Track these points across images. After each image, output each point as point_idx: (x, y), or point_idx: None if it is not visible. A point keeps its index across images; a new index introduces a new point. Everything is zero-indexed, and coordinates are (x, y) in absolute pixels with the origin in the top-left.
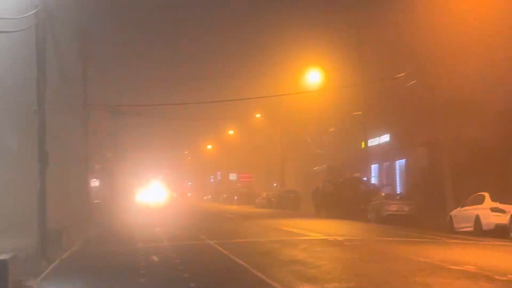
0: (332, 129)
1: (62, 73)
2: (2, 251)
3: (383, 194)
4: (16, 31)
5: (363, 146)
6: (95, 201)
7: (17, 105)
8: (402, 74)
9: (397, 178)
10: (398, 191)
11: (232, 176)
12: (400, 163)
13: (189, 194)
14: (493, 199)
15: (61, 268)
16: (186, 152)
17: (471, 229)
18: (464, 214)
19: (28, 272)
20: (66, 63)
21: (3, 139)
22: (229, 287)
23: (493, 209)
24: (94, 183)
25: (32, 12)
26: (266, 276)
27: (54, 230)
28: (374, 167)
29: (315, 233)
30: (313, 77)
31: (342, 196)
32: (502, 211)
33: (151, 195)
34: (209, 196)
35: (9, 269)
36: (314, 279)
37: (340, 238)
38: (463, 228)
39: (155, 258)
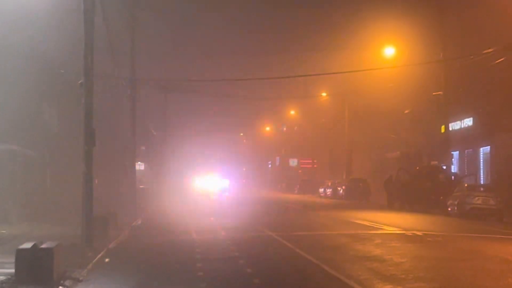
0: (407, 111)
1: (109, 44)
2: (46, 239)
3: (466, 185)
4: None
5: (443, 130)
6: (140, 186)
7: (57, 79)
8: (490, 50)
9: (481, 167)
10: (482, 182)
11: (293, 162)
12: (484, 151)
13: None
14: None
15: (108, 259)
16: (241, 134)
17: None
18: None
19: (73, 263)
20: (114, 34)
21: (42, 117)
22: (298, 283)
23: None
24: (139, 166)
25: None
26: (339, 273)
27: (100, 217)
28: (454, 155)
29: (390, 227)
30: (387, 52)
31: (419, 186)
32: None
33: (205, 181)
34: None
35: (55, 259)
36: (395, 278)
37: (419, 233)
38: None
39: (212, 250)
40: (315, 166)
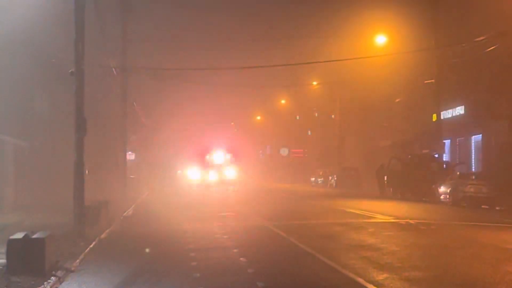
0: (398, 100)
1: (100, 32)
2: (37, 228)
3: (458, 173)
4: None
5: (434, 119)
6: (131, 176)
7: (49, 68)
8: (482, 38)
9: (473, 156)
10: (473, 170)
11: (284, 151)
12: (476, 139)
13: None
14: None
15: (100, 249)
16: (232, 123)
17: None
18: None
19: (65, 252)
20: (105, 22)
21: (33, 107)
22: (293, 272)
23: None
24: (130, 156)
25: None
26: (333, 262)
27: (91, 207)
28: (446, 143)
29: (383, 216)
30: (379, 41)
31: (411, 175)
32: None
33: (203, 172)
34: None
35: (46, 249)
36: (390, 267)
37: (412, 222)
38: None
39: (204, 240)
40: (306, 155)
